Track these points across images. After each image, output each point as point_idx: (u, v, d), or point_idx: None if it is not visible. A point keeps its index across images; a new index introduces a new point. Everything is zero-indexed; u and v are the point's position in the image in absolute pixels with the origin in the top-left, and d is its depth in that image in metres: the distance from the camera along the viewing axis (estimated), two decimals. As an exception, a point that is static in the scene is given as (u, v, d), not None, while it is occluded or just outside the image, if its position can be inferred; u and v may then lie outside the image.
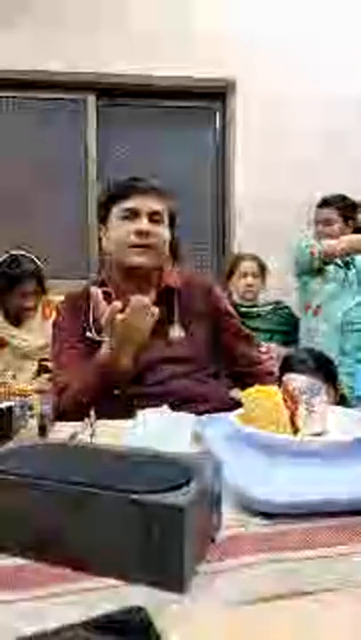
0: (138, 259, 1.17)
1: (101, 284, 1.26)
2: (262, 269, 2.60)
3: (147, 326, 1.06)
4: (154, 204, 1.19)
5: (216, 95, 3.18)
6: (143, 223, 1.16)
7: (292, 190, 3.02)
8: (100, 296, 1.09)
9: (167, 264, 1.28)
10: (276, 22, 3.08)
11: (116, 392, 1.08)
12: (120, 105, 3.16)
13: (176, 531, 0.43)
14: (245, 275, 2.56)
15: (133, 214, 1.18)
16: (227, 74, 3.06)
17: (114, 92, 3.10)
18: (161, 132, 3.19)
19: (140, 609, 0.38)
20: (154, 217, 1.18)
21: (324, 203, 2.40)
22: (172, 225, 1.25)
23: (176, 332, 1.20)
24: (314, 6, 3.10)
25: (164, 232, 1.20)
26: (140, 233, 1.16)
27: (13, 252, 2.10)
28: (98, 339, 1.15)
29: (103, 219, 1.25)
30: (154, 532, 0.43)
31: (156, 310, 1.07)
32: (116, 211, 1.20)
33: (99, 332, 1.16)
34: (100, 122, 3.13)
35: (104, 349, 1.07)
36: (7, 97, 3.04)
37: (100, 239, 1.33)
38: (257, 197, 3.06)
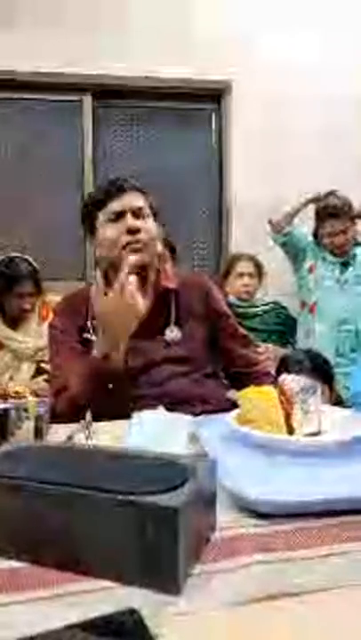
0: (133, 257, 1.16)
1: None
2: (259, 269, 2.60)
3: (137, 305, 1.07)
4: (135, 201, 1.19)
5: (214, 96, 3.19)
6: (131, 221, 1.16)
7: (290, 190, 3.02)
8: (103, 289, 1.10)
9: (164, 261, 1.29)
10: (275, 23, 3.08)
11: (110, 386, 1.07)
12: (116, 106, 3.16)
13: (171, 532, 0.43)
14: (242, 275, 2.56)
15: (119, 215, 1.18)
16: (225, 74, 3.07)
17: (110, 93, 3.10)
18: (158, 132, 3.19)
19: (133, 611, 0.38)
20: (138, 213, 1.18)
21: (336, 214, 2.39)
22: (156, 219, 1.24)
23: (173, 333, 1.20)
24: (312, 7, 3.10)
25: (152, 227, 1.20)
26: (130, 231, 1.16)
27: (10, 254, 2.10)
28: (95, 340, 1.15)
29: (91, 230, 1.24)
30: (149, 532, 0.43)
31: (145, 304, 1.09)
32: (101, 217, 1.20)
33: (95, 332, 1.16)
34: (97, 123, 3.13)
35: (97, 342, 1.09)
36: (4, 98, 3.03)
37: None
38: (255, 197, 3.06)
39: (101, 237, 1.20)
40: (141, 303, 1.09)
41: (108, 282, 1.20)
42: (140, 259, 1.16)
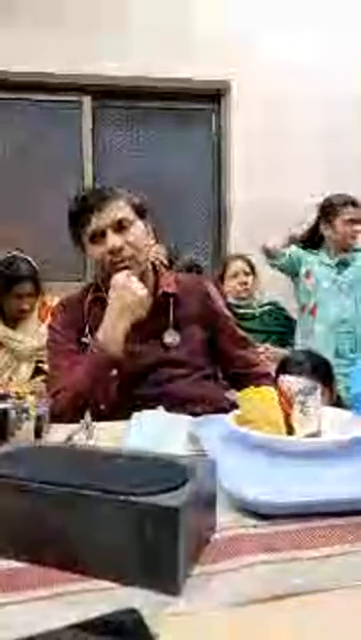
0: (120, 276, 1.15)
1: (96, 288, 1.25)
2: (252, 268, 2.64)
3: (138, 293, 1.11)
4: (113, 214, 1.15)
5: (214, 96, 3.19)
6: (112, 240, 1.14)
7: (290, 191, 3.03)
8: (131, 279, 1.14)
9: (161, 274, 1.28)
10: (275, 23, 3.08)
11: (114, 372, 1.09)
12: (116, 107, 3.16)
13: (171, 532, 0.43)
14: (237, 274, 2.60)
15: (100, 235, 1.16)
16: (225, 74, 3.07)
17: (110, 94, 3.10)
18: (157, 133, 3.20)
19: (133, 611, 0.38)
20: (119, 225, 1.16)
21: (351, 202, 2.38)
22: (143, 215, 1.22)
23: (171, 337, 1.20)
24: (312, 7, 3.10)
25: (137, 234, 1.18)
26: (112, 252, 1.15)
27: (9, 254, 2.10)
28: (90, 342, 1.15)
29: (79, 244, 1.23)
30: (149, 533, 0.43)
31: (143, 288, 1.13)
32: (84, 234, 1.19)
33: (93, 336, 1.16)
34: (96, 123, 3.13)
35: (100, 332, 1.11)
36: (3, 98, 3.03)
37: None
38: (254, 198, 3.06)
39: (89, 255, 1.20)
40: (142, 286, 1.13)
41: (105, 287, 1.21)
42: (131, 274, 1.15)
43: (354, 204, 2.38)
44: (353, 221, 2.36)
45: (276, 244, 2.44)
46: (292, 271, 2.50)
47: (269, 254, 2.47)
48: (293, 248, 2.48)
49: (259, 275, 2.65)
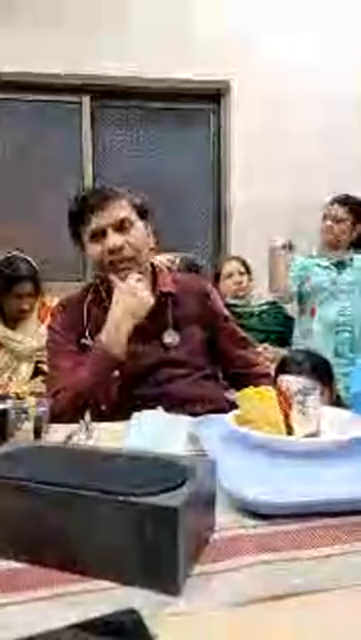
0: (121, 274, 1.16)
1: (95, 288, 1.25)
2: (247, 267, 2.66)
3: (145, 299, 1.11)
4: (115, 214, 1.15)
5: (214, 96, 3.19)
6: (113, 239, 1.14)
7: (290, 191, 3.03)
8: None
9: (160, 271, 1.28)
10: (275, 23, 3.08)
11: (116, 373, 1.10)
12: (115, 107, 3.16)
13: (170, 532, 0.43)
14: (231, 274, 2.63)
15: (100, 234, 1.15)
16: (225, 74, 3.07)
17: (109, 94, 3.10)
18: (157, 133, 3.20)
19: (133, 611, 0.38)
20: (121, 224, 1.15)
21: (338, 200, 2.40)
22: (144, 216, 1.22)
23: (170, 337, 1.20)
24: (312, 7, 3.10)
25: (138, 235, 1.18)
26: (112, 251, 1.14)
27: (9, 254, 2.10)
28: (92, 344, 1.15)
29: (79, 242, 1.23)
30: (148, 533, 0.43)
31: (145, 290, 1.13)
32: (84, 233, 1.18)
33: (93, 337, 1.16)
34: (96, 123, 3.13)
35: (103, 334, 1.11)
36: (3, 99, 3.03)
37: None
38: (254, 198, 3.06)
39: (88, 254, 1.20)
40: (148, 293, 1.14)
41: (104, 287, 1.21)
42: (129, 273, 1.15)
43: (346, 203, 2.38)
44: (334, 219, 2.38)
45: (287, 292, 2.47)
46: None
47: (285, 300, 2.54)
48: (294, 286, 2.48)
49: (255, 275, 2.66)
